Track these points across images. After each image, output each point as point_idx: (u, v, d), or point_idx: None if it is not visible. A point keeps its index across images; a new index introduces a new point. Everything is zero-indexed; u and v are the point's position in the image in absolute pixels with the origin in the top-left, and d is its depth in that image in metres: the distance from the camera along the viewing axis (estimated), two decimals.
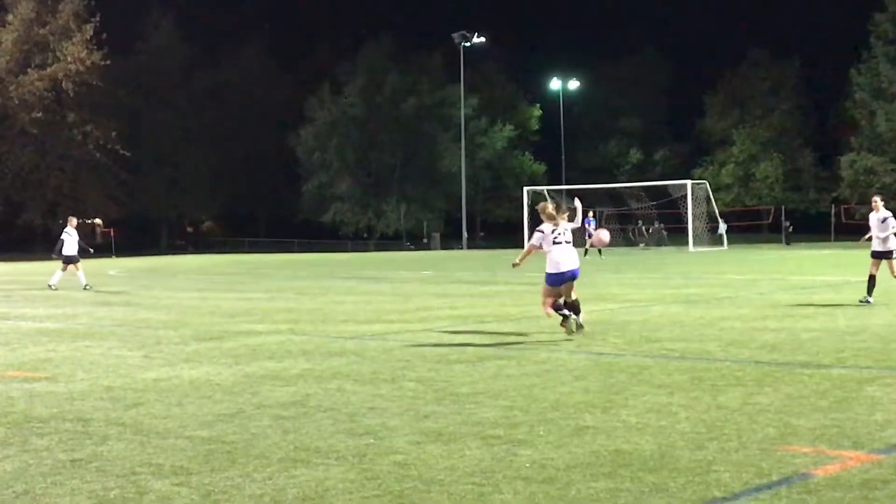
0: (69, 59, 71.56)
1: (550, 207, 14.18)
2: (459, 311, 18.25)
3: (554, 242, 13.85)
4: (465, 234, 76.76)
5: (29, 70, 72.14)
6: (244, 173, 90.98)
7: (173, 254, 75.78)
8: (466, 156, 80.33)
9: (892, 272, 18.66)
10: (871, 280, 18.51)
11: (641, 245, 67.32)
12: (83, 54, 71.66)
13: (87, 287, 26.82)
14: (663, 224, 70.28)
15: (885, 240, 18.72)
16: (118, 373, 11.06)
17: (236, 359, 12.07)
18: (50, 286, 27.20)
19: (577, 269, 13.89)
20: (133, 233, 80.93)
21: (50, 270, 30.82)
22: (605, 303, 19.74)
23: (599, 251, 48.91)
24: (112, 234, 72.10)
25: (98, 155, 73.58)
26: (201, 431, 7.82)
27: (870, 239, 19.13)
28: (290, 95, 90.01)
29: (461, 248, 73.99)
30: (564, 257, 13.80)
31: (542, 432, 7.55)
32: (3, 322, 17.73)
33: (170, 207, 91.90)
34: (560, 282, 13.78)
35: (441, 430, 7.70)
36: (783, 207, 78.36)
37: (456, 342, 13.49)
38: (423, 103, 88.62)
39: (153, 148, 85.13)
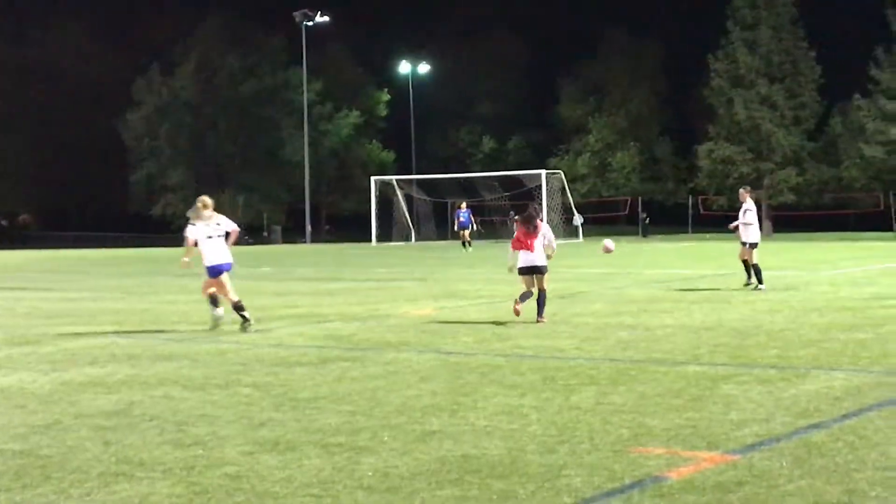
0: None
1: (207, 201, 15.68)
2: (301, 310, 18.14)
3: (207, 237, 15.35)
4: (308, 228, 76.26)
5: None
6: (66, 161, 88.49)
7: None
8: (310, 143, 79.72)
9: (747, 258, 20.86)
10: (753, 268, 20.74)
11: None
12: None
13: None
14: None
15: (747, 230, 20.95)
16: None
17: (54, 365, 11.77)
18: None
19: (229, 263, 15.41)
20: None
21: None
22: (455, 300, 19.90)
23: (464, 244, 49.27)
24: None
25: None
26: (13, 444, 7.62)
27: (737, 227, 21.46)
28: (118, 76, 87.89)
29: (305, 242, 73.57)
30: (215, 252, 15.27)
31: (386, 438, 7.56)
32: None
33: None
34: (215, 274, 15.26)
35: (278, 438, 7.64)
36: (640, 199, 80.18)
37: (296, 344, 13.42)
38: (264, 87, 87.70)
39: None
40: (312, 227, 77.95)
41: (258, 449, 7.31)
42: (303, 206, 78.10)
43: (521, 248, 15.51)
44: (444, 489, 6.17)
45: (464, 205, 52.53)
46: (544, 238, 15.58)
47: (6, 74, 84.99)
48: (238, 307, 15.02)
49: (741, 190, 22.33)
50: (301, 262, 39.65)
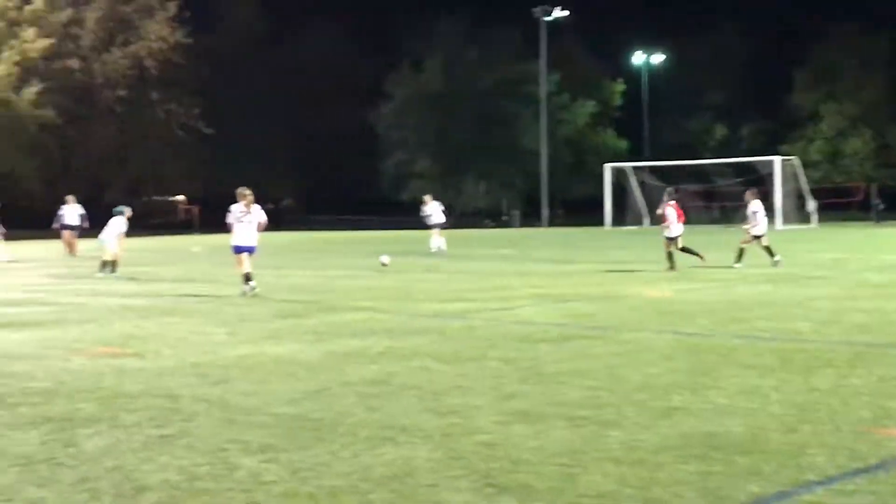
0: (152, 37, 72.61)
1: (245, 191, 18.39)
2: (540, 290, 18.21)
3: (238, 221, 17.88)
4: (545, 212, 76.37)
5: (112, 48, 73.18)
6: (324, 151, 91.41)
7: None
8: (547, 133, 79.80)
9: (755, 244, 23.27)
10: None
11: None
12: (166, 32, 72.66)
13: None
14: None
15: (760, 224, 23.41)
16: (203, 350, 11.21)
17: (319, 336, 12.15)
18: None
19: (253, 246, 17.90)
20: (215, 210, 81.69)
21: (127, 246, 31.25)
22: (689, 283, 19.58)
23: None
24: (196, 211, 73.18)
25: (180, 133, 74.56)
26: (287, 409, 7.89)
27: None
28: (369, 72, 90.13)
29: (541, 226, 73.71)
30: (242, 234, 17.80)
31: (629, 413, 7.50)
32: (92, 298, 18.08)
33: (249, 185, 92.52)
34: (237, 252, 17.81)
35: (527, 410, 7.68)
36: (874, 185, 76.72)
37: (538, 321, 13.47)
38: (502, 79, 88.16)
39: (232, 125, 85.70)
40: (548, 211, 78.06)
41: (509, 419, 7.36)
42: (538, 192, 78.28)
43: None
44: (689, 464, 6.08)
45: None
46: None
47: (269, 74, 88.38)
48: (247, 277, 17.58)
49: (748, 192, 24.16)
50: (539, 245, 39.77)
